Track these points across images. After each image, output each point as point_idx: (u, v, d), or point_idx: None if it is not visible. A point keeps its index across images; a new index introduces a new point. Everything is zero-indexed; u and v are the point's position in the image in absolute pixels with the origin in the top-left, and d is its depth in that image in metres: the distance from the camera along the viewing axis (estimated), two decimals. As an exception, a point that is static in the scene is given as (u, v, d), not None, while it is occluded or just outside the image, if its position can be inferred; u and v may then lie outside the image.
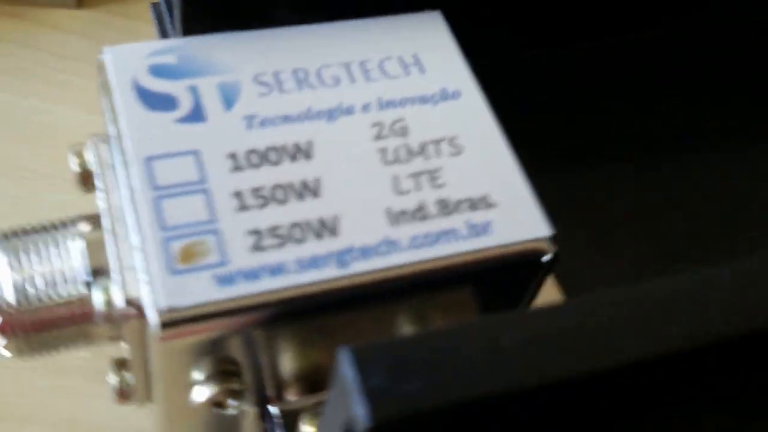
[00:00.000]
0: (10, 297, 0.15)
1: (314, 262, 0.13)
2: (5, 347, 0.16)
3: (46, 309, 0.16)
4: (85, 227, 0.16)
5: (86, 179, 0.16)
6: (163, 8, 0.19)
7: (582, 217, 0.21)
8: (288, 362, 0.15)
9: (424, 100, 0.16)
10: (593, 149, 0.23)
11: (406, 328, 0.15)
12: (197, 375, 0.14)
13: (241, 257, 0.13)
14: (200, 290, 0.13)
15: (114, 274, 0.14)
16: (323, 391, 0.16)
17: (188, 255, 0.13)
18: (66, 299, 0.16)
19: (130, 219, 0.14)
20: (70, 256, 0.16)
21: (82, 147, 0.16)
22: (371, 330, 0.15)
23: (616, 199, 0.22)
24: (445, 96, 0.16)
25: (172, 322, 0.13)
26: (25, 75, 0.32)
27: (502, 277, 0.15)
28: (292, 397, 0.16)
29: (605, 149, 0.23)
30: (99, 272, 0.16)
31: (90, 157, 0.16)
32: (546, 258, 0.14)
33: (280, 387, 0.16)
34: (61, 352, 0.16)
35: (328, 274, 0.13)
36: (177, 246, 0.13)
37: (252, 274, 0.13)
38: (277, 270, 0.13)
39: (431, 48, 0.17)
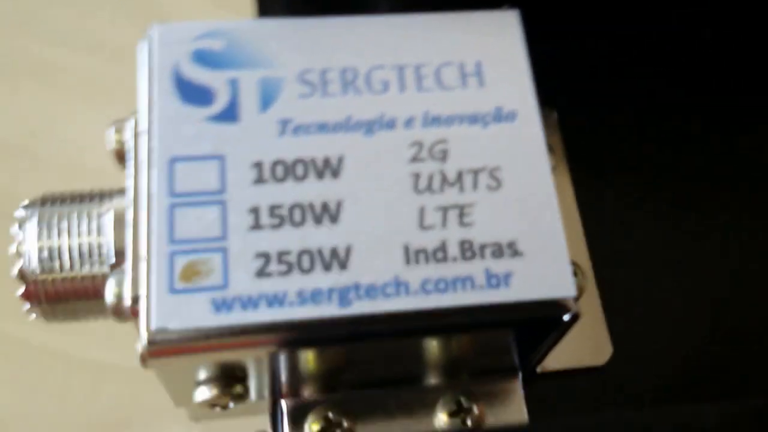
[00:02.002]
0: (35, 265, 0.16)
1: (315, 297, 0.13)
2: (31, 311, 0.16)
3: (69, 281, 0.16)
4: (119, 203, 0.16)
5: (121, 157, 0.16)
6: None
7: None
8: (295, 368, 0.15)
9: (474, 119, 0.15)
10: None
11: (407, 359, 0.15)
12: (199, 375, 0.15)
13: (243, 282, 0.13)
14: (194, 314, 0.13)
15: (128, 265, 0.15)
16: (334, 392, 0.16)
17: (190, 273, 0.13)
18: (89, 274, 0.16)
19: (143, 223, 0.14)
20: (100, 233, 0.16)
21: (123, 123, 0.16)
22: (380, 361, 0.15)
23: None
24: (498, 117, 0.15)
25: (161, 342, 0.13)
26: None
27: (515, 329, 0.14)
28: (303, 393, 0.16)
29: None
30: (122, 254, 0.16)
31: (126, 137, 0.16)
32: (566, 318, 0.14)
33: (290, 385, 0.16)
34: (85, 320, 0.17)
35: (326, 312, 0.13)
36: (181, 262, 0.13)
37: (250, 303, 0.13)
38: (275, 301, 0.13)
39: (498, 56, 0.16)
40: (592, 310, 0.17)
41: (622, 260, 0.19)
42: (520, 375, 0.16)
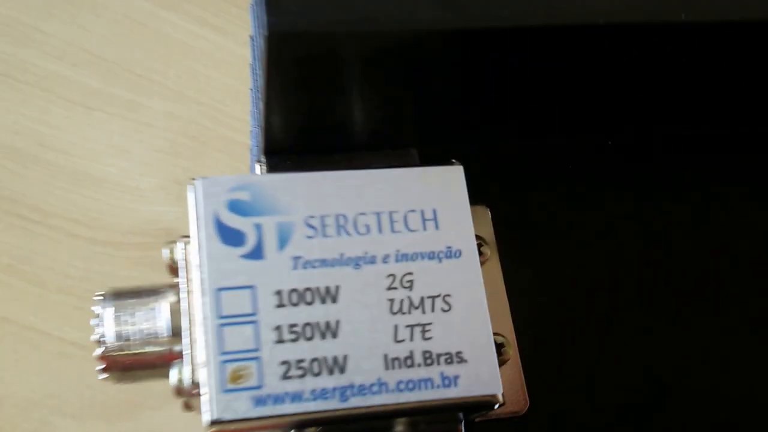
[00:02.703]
0: (112, 343, 0.22)
1: (323, 394, 0.20)
2: (104, 377, 0.23)
3: (136, 356, 0.22)
4: (172, 297, 0.23)
5: (173, 269, 0.22)
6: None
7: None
8: None
9: (432, 256, 0.21)
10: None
11: None
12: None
13: (273, 384, 0.20)
14: (240, 408, 0.19)
15: (185, 354, 0.21)
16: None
17: (236, 377, 0.20)
18: (151, 351, 0.22)
19: (200, 336, 0.20)
20: (158, 318, 0.22)
21: (173, 245, 0.22)
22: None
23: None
24: (449, 254, 0.21)
25: (218, 423, 0.20)
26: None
27: (463, 411, 0.21)
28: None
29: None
30: (176, 332, 0.22)
31: (178, 255, 0.22)
32: (496, 406, 0.20)
33: None
34: (149, 381, 0.23)
35: (331, 406, 0.20)
36: (229, 368, 0.20)
37: (278, 399, 0.20)
38: (296, 397, 0.20)
39: (449, 203, 0.22)
40: (513, 371, 0.24)
41: (541, 327, 0.25)
42: (462, 425, 0.23)
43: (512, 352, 0.24)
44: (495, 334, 0.22)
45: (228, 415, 0.19)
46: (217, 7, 0.49)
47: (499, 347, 0.23)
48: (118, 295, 0.23)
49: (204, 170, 0.44)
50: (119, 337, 0.22)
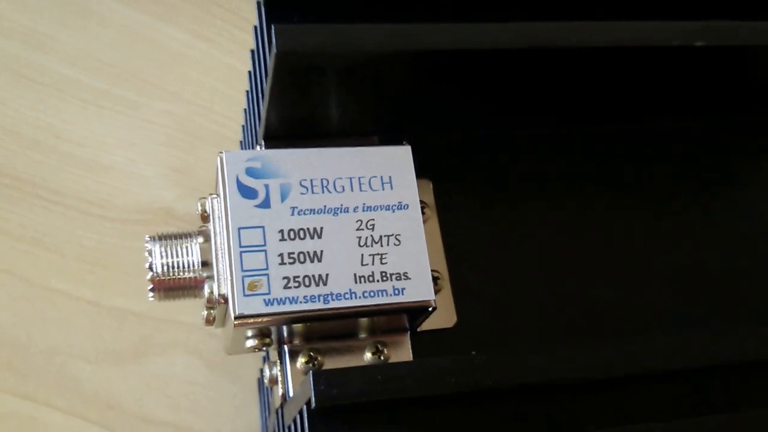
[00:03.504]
0: (159, 270, 0.32)
1: (312, 298, 0.29)
2: (152, 296, 0.32)
3: (176, 280, 0.32)
4: (201, 239, 0.32)
5: (204, 218, 0.32)
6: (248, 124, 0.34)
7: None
8: (295, 331, 0.31)
9: (388, 208, 0.31)
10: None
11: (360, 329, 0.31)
12: (249, 334, 0.31)
13: (277, 291, 0.29)
14: (255, 306, 0.29)
15: (214, 275, 0.31)
16: (314, 341, 0.32)
17: (252, 287, 0.29)
18: (187, 277, 0.32)
19: (225, 261, 0.30)
20: (192, 253, 0.32)
21: (204, 200, 0.32)
22: (339, 327, 0.31)
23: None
24: (400, 207, 0.31)
25: (240, 319, 0.29)
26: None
27: (407, 313, 0.31)
28: (296, 341, 0.32)
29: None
30: (205, 264, 0.32)
31: (207, 207, 0.32)
32: (429, 309, 0.30)
33: (290, 337, 0.32)
34: (180, 300, 0.33)
35: (317, 306, 0.29)
36: (248, 281, 0.29)
37: (281, 301, 0.29)
38: (293, 300, 0.29)
39: (400, 172, 0.32)
40: (445, 297, 0.34)
41: (468, 266, 0.35)
42: (409, 333, 0.33)
43: (445, 284, 0.34)
44: (432, 270, 0.32)
45: (247, 311, 0.29)
46: (206, 21, 0.58)
47: (435, 279, 0.33)
48: (162, 237, 0.32)
49: (197, 160, 0.54)
50: (163, 266, 0.32)
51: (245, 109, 0.41)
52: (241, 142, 0.46)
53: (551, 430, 0.28)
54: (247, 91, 0.39)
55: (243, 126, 0.43)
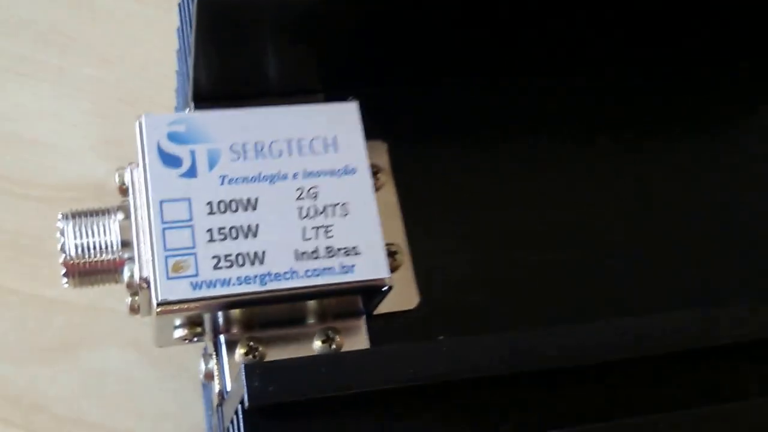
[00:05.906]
0: (72, 253, 0.29)
1: (246, 280, 0.27)
2: (66, 282, 0.30)
3: (92, 263, 0.30)
4: (120, 215, 0.30)
5: (124, 191, 0.29)
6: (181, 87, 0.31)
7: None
8: (231, 317, 0.29)
9: (332, 173, 0.29)
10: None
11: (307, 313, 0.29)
12: (177, 322, 0.29)
13: (206, 272, 0.27)
14: (181, 291, 0.27)
15: (135, 256, 0.28)
16: (254, 329, 0.30)
17: (177, 268, 0.27)
18: (105, 259, 0.30)
19: (147, 239, 0.27)
20: (110, 232, 0.30)
21: (124, 170, 0.29)
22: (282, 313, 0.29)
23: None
24: (346, 171, 0.29)
25: (163, 305, 0.27)
26: None
27: (360, 294, 0.28)
28: (234, 330, 0.30)
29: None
30: (126, 244, 0.29)
31: (127, 179, 0.29)
32: (384, 289, 0.28)
33: (227, 325, 0.30)
34: (99, 286, 0.30)
35: (252, 289, 0.27)
36: (171, 261, 0.27)
37: (211, 284, 0.27)
38: (225, 283, 0.27)
39: (346, 132, 0.29)
40: (406, 274, 0.31)
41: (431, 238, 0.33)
42: (364, 317, 0.30)
43: (405, 259, 0.31)
44: (389, 243, 0.29)
45: (171, 297, 0.26)
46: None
47: (393, 254, 0.30)
48: (76, 215, 0.30)
49: (131, 130, 0.51)
50: (77, 247, 0.29)
51: (176, 71, 0.39)
52: (175, 108, 0.43)
53: (528, 423, 0.26)
54: (177, 50, 0.37)
55: (176, 90, 0.41)
